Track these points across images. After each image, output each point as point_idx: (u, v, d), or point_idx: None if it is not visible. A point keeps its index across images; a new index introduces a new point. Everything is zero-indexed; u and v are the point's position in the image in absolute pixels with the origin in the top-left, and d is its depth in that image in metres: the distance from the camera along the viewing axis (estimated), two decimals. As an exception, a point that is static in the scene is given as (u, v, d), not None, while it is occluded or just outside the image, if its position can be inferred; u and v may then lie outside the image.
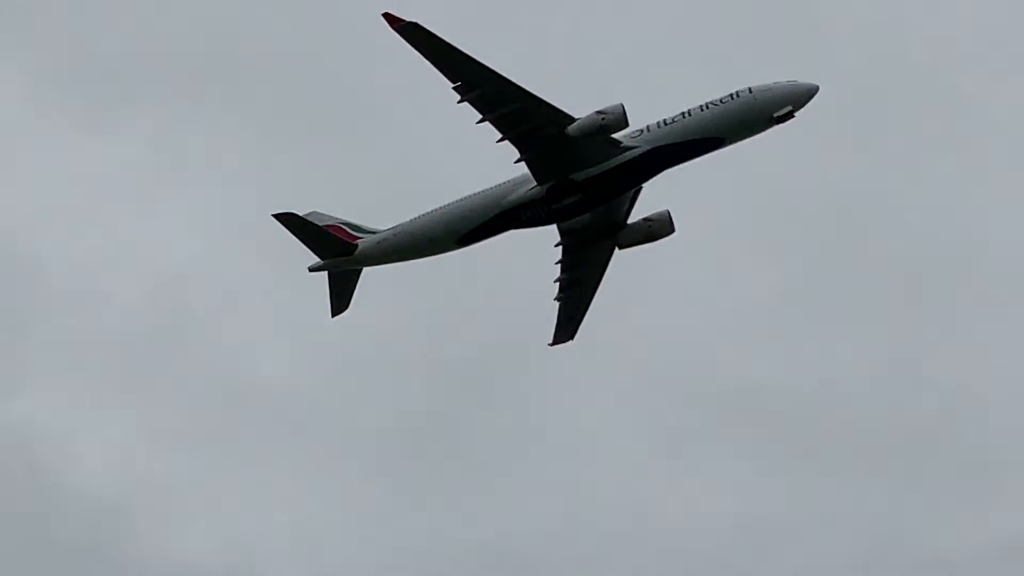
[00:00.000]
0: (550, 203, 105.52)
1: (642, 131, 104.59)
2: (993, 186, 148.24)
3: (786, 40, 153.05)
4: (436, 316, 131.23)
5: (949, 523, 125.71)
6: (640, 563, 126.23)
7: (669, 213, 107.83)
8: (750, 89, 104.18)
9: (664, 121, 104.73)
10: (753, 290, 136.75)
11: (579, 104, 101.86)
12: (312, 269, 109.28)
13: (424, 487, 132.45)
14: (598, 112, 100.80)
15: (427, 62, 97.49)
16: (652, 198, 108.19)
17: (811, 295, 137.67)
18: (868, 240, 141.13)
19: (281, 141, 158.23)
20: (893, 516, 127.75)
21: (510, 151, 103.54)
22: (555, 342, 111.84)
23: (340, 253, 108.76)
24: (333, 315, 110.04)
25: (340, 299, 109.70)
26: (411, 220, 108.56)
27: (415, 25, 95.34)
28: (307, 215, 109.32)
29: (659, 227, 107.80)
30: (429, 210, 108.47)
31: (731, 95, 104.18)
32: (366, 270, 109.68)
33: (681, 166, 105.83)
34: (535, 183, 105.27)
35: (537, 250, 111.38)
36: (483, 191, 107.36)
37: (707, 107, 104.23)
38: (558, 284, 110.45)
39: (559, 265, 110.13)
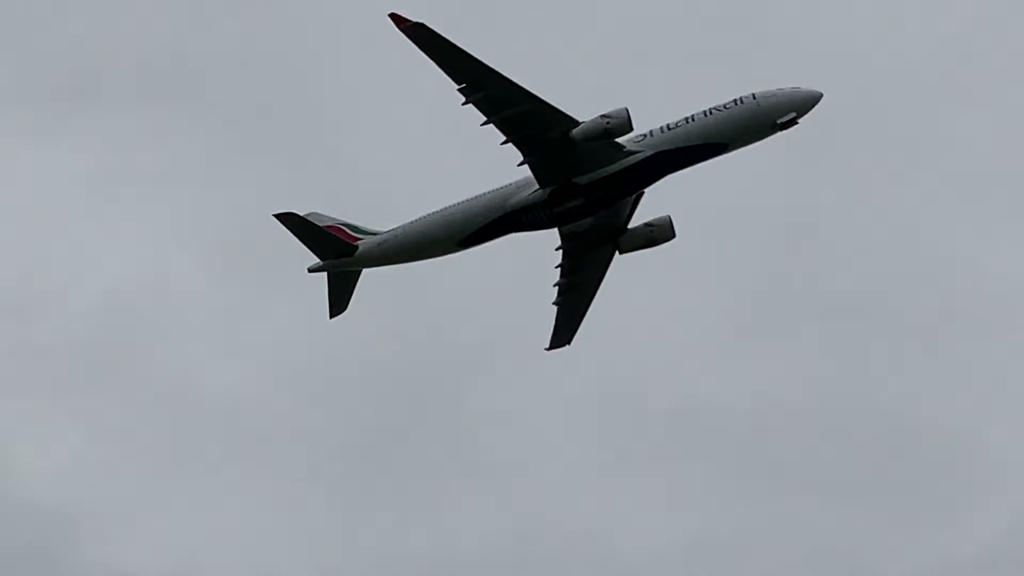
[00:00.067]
0: (552, 206, 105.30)
1: (645, 136, 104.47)
2: (954, 210, 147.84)
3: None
4: (419, 321, 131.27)
5: (888, 542, 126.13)
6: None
7: (670, 218, 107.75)
8: (754, 95, 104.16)
9: (668, 126, 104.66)
10: (714, 305, 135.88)
11: (579, 107, 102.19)
12: (311, 270, 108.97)
13: (368, 500, 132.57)
14: (603, 116, 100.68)
15: (418, 64, 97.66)
16: (652, 203, 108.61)
17: (768, 313, 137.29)
18: (827, 259, 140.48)
19: (238, 149, 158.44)
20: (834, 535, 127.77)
21: (511, 154, 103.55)
22: (552, 346, 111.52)
23: (340, 254, 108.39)
24: (331, 316, 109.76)
25: (339, 300, 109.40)
26: (412, 222, 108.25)
27: (421, 26, 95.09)
28: (307, 215, 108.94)
29: (660, 232, 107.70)
30: (429, 212, 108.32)
31: (735, 100, 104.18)
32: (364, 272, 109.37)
33: (683, 171, 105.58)
34: (537, 186, 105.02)
35: (520, 254, 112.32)
36: (485, 193, 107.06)
37: (711, 112, 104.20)
38: (557, 288, 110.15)
39: (558, 269, 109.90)
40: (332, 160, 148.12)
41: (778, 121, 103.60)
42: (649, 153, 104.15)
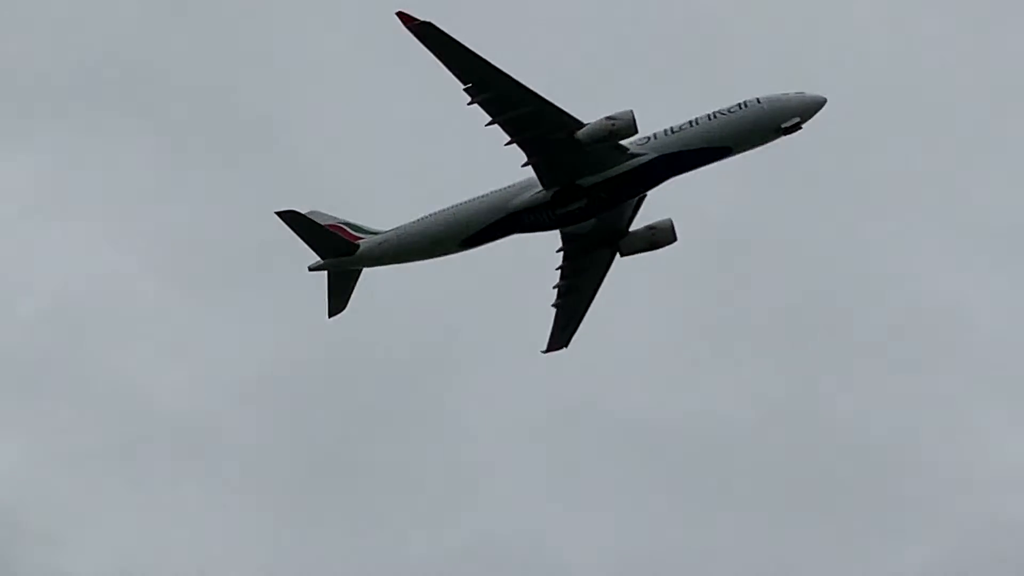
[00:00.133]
0: (555, 207, 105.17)
1: (649, 138, 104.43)
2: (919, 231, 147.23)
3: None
4: (407, 322, 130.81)
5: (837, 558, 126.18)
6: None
7: (672, 222, 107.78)
8: (758, 99, 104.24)
9: (671, 129, 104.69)
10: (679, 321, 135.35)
11: (583, 109, 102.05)
12: (312, 268, 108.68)
13: (323, 507, 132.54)
14: (608, 118, 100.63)
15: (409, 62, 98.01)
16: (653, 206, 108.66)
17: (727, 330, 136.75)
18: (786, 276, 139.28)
19: (181, 160, 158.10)
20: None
21: (514, 155, 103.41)
22: (549, 349, 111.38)
23: (341, 253, 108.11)
24: (330, 315, 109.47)
25: (338, 299, 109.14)
26: (414, 221, 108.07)
27: (429, 25, 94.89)
28: (308, 213, 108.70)
29: (662, 235, 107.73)
30: (430, 213, 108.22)
31: (739, 104, 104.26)
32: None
33: (686, 175, 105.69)
34: (541, 187, 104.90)
35: (516, 256, 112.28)
36: (487, 194, 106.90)
37: (715, 116, 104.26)
38: (556, 290, 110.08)
39: (559, 271, 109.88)
40: (293, 162, 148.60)
41: (782, 126, 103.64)
42: (653, 156, 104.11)
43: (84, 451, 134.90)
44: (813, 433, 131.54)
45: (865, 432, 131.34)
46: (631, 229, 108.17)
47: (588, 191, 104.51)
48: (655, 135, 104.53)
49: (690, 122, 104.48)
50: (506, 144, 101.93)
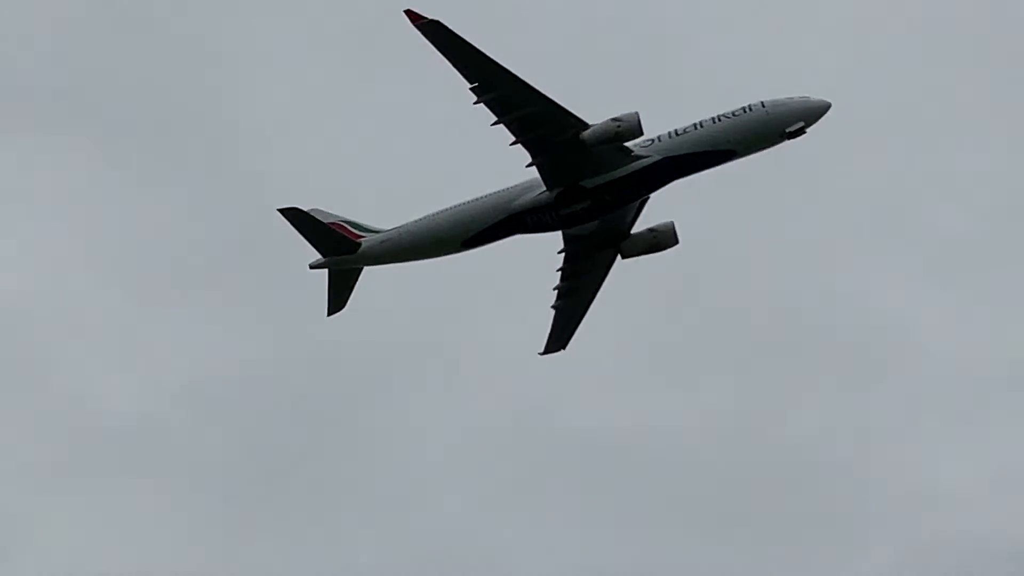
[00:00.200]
0: (559, 208, 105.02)
1: (653, 141, 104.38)
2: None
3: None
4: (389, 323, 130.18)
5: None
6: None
7: (674, 225, 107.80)
8: (763, 103, 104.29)
9: (675, 131, 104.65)
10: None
11: (584, 110, 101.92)
12: (313, 266, 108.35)
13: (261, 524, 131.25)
14: (614, 119, 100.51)
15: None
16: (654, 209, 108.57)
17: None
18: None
19: (131, 168, 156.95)
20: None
21: (516, 155, 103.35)
22: (546, 351, 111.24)
23: (342, 251, 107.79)
24: (329, 313, 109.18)
25: (338, 298, 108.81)
26: (416, 221, 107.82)
27: (437, 23, 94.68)
28: (309, 211, 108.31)
29: (664, 238, 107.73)
30: (432, 212, 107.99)
31: (744, 108, 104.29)
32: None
33: (689, 178, 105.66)
34: (544, 188, 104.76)
35: (512, 258, 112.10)
36: (490, 194, 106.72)
37: (719, 119, 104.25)
38: (556, 292, 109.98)
39: (559, 272, 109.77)
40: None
41: (786, 130, 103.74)
42: (657, 158, 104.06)
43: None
44: (749, 448, 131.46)
45: (805, 447, 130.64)
46: (633, 231, 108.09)
47: (592, 192, 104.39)
48: (659, 137, 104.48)
49: (695, 125, 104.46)
50: (511, 144, 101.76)
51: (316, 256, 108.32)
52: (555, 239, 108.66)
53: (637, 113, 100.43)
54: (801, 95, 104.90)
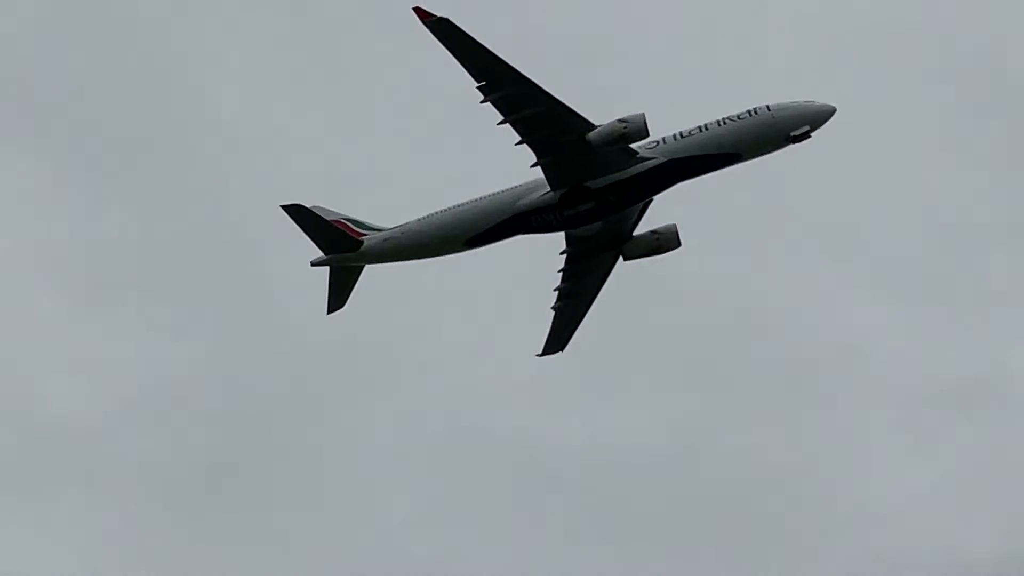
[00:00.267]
0: (563, 209, 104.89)
1: (658, 142, 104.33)
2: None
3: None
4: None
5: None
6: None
7: (676, 227, 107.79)
8: (768, 106, 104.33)
9: (680, 134, 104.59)
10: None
11: (590, 111, 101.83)
12: (315, 264, 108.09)
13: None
14: (620, 120, 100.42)
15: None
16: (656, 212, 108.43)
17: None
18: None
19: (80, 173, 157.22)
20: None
21: (521, 155, 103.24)
22: (545, 352, 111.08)
23: (344, 249, 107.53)
24: (329, 311, 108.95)
25: (338, 296, 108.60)
26: (420, 219, 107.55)
27: (446, 21, 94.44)
28: (312, 208, 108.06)
29: (666, 241, 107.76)
30: (435, 211, 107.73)
31: (749, 111, 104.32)
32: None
33: (692, 180, 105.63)
34: (548, 188, 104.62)
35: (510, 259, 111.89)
36: (495, 193, 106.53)
37: (724, 122, 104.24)
38: (556, 293, 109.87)
39: (561, 273, 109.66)
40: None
41: (792, 134, 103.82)
42: (662, 160, 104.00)
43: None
44: (705, 466, 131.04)
45: (757, 465, 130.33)
46: (635, 233, 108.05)
47: (596, 193, 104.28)
48: (664, 139, 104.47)
49: (699, 127, 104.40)
50: (516, 144, 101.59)
51: (318, 253, 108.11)
52: (557, 240, 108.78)
53: (643, 114, 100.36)
54: (806, 99, 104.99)
